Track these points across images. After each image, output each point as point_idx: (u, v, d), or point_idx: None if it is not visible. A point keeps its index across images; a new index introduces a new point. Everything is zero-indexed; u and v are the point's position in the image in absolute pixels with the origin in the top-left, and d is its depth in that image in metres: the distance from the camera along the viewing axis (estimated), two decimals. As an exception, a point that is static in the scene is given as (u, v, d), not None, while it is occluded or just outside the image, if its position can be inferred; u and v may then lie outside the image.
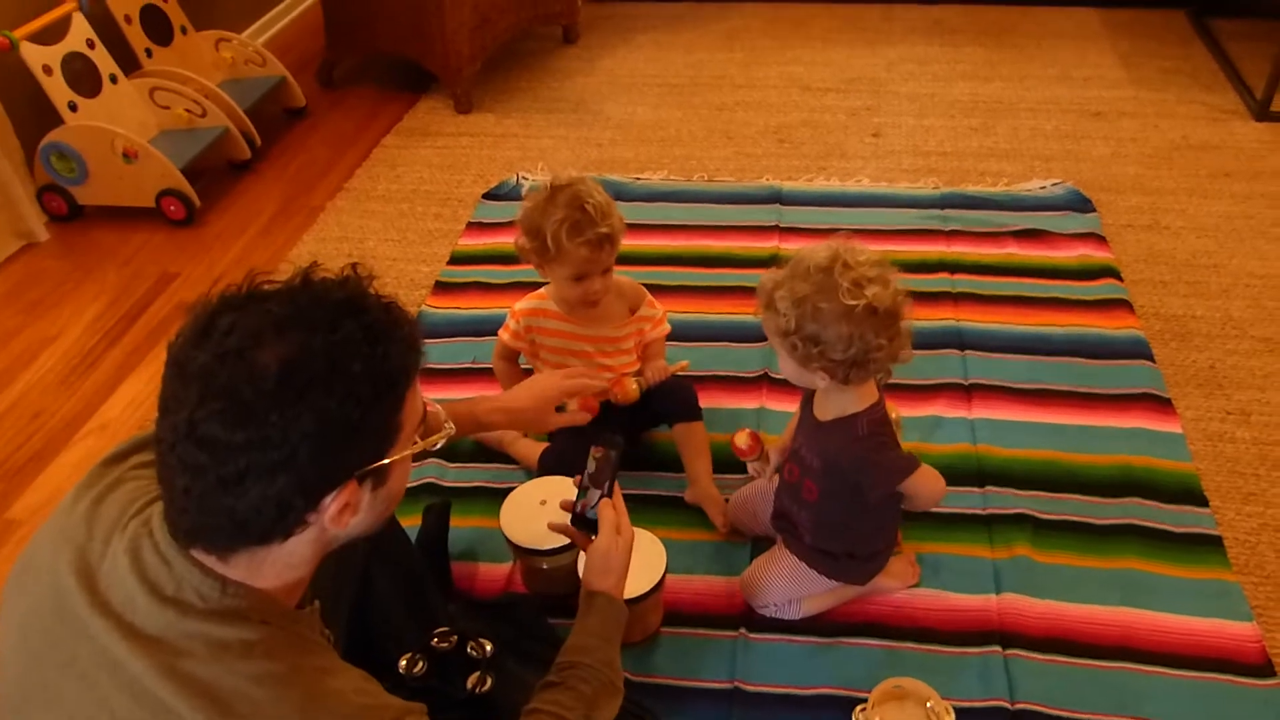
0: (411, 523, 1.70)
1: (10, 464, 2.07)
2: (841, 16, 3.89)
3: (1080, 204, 2.65)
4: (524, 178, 2.91)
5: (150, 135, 2.86)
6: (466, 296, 2.43)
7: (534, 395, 1.59)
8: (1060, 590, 1.66)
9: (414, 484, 1.88)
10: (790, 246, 2.52)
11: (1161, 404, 2.02)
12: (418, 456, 1.01)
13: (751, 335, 2.23)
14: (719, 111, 3.26)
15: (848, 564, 1.56)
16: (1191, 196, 2.70)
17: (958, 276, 2.40)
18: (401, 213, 2.82)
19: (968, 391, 2.07)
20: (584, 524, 1.39)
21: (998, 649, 1.57)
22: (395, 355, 0.90)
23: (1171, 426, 1.98)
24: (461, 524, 1.77)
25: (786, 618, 1.61)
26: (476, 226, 2.70)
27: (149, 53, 3.04)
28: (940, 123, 3.12)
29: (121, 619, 0.88)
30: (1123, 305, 2.29)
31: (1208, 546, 1.74)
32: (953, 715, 1.43)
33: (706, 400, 1.95)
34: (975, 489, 1.85)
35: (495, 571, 1.74)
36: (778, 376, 2.11)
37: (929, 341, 2.17)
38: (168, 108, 2.92)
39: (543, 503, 1.63)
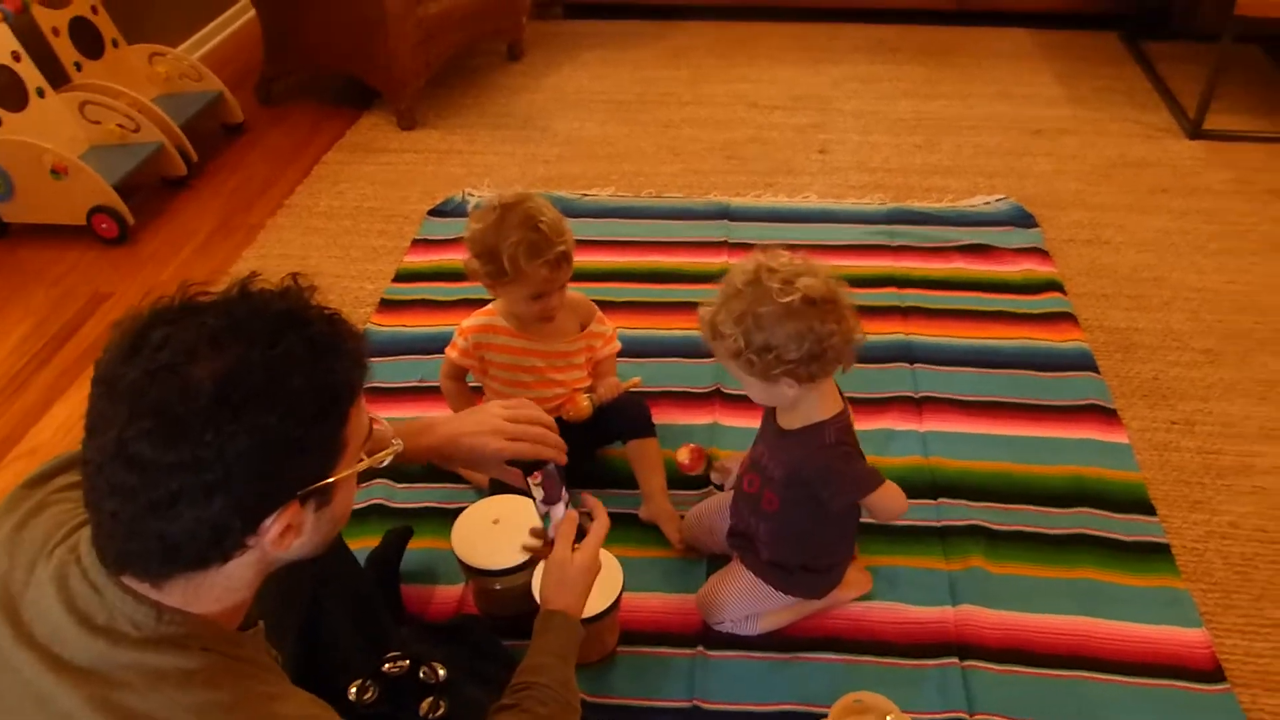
0: (363, 545, 1.65)
1: (-69, 491, 1.97)
2: (787, 35, 3.92)
3: (1023, 219, 2.69)
4: (470, 194, 2.87)
5: (80, 151, 2.77)
6: (413, 314, 2.38)
7: (482, 450, 1.42)
8: (1015, 601, 1.66)
9: (361, 505, 1.83)
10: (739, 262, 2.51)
11: (1108, 415, 2.05)
12: (364, 475, 0.97)
13: (702, 350, 2.16)
14: (666, 128, 3.26)
15: (803, 578, 1.55)
16: (1131, 212, 2.75)
17: (906, 291, 2.41)
18: (345, 229, 2.76)
19: (918, 405, 2.07)
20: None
21: (955, 660, 1.57)
22: (339, 369, 0.87)
23: (1118, 437, 2.00)
24: (412, 545, 1.72)
25: (744, 634, 1.59)
26: (422, 243, 2.66)
27: (78, 66, 2.95)
28: (885, 139, 3.15)
29: (49, 651, 0.83)
30: (1068, 318, 2.31)
31: (1157, 555, 1.76)
32: (913, 729, 1.42)
33: (659, 416, 1.93)
34: (929, 501, 1.85)
35: (447, 594, 1.69)
36: (730, 392, 2.10)
37: (879, 355, 2.18)
38: (99, 123, 2.84)
39: (495, 522, 1.59)
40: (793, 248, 1.44)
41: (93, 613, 0.84)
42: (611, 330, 1.88)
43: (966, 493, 1.86)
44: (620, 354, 1.91)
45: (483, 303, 1.90)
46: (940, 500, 1.85)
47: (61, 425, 2.13)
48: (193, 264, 2.66)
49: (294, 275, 0.92)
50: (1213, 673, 1.56)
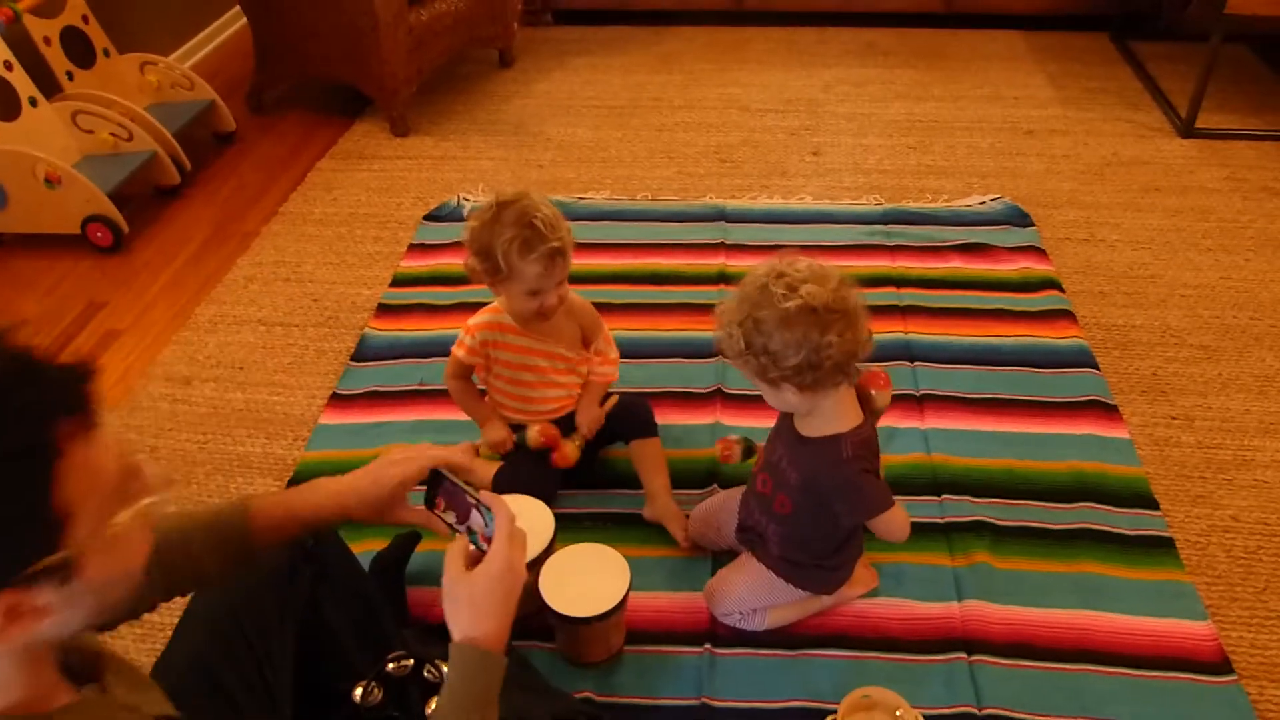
0: (367, 548, 1.65)
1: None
2: (776, 40, 3.93)
3: (1019, 218, 2.70)
4: (465, 199, 2.87)
5: (73, 160, 2.75)
6: (411, 318, 2.37)
7: (376, 479, 1.28)
8: (1021, 596, 1.66)
9: (362, 509, 1.82)
10: (736, 263, 2.51)
11: (1108, 410, 2.05)
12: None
13: (703, 351, 2.22)
14: (659, 132, 3.26)
15: (815, 573, 1.54)
16: (1125, 210, 2.76)
17: (904, 290, 2.41)
18: (340, 236, 2.75)
19: (919, 402, 2.07)
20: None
21: (962, 655, 1.56)
22: (27, 422, 0.71)
23: (1119, 432, 2.00)
24: (417, 549, 1.71)
25: (750, 628, 1.58)
26: (418, 248, 2.65)
27: (70, 75, 2.94)
28: (878, 141, 3.16)
29: None
30: (1066, 316, 2.32)
31: (1161, 549, 1.76)
32: (922, 724, 1.41)
33: (661, 417, 1.92)
34: (932, 498, 1.85)
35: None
36: (731, 391, 2.10)
37: (878, 354, 2.12)
38: (91, 132, 2.82)
39: (499, 522, 1.58)
40: (803, 249, 1.43)
41: None
42: (616, 356, 1.87)
43: (970, 489, 1.86)
44: (622, 356, 1.90)
45: (481, 306, 1.89)
46: (944, 497, 1.84)
47: (58, 433, 2.11)
48: (187, 272, 2.64)
49: None
50: (1220, 664, 1.56)
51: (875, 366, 1.49)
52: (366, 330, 2.34)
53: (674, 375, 2.14)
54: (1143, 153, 3.05)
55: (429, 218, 2.79)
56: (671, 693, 1.52)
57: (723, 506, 1.68)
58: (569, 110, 3.42)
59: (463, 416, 1.92)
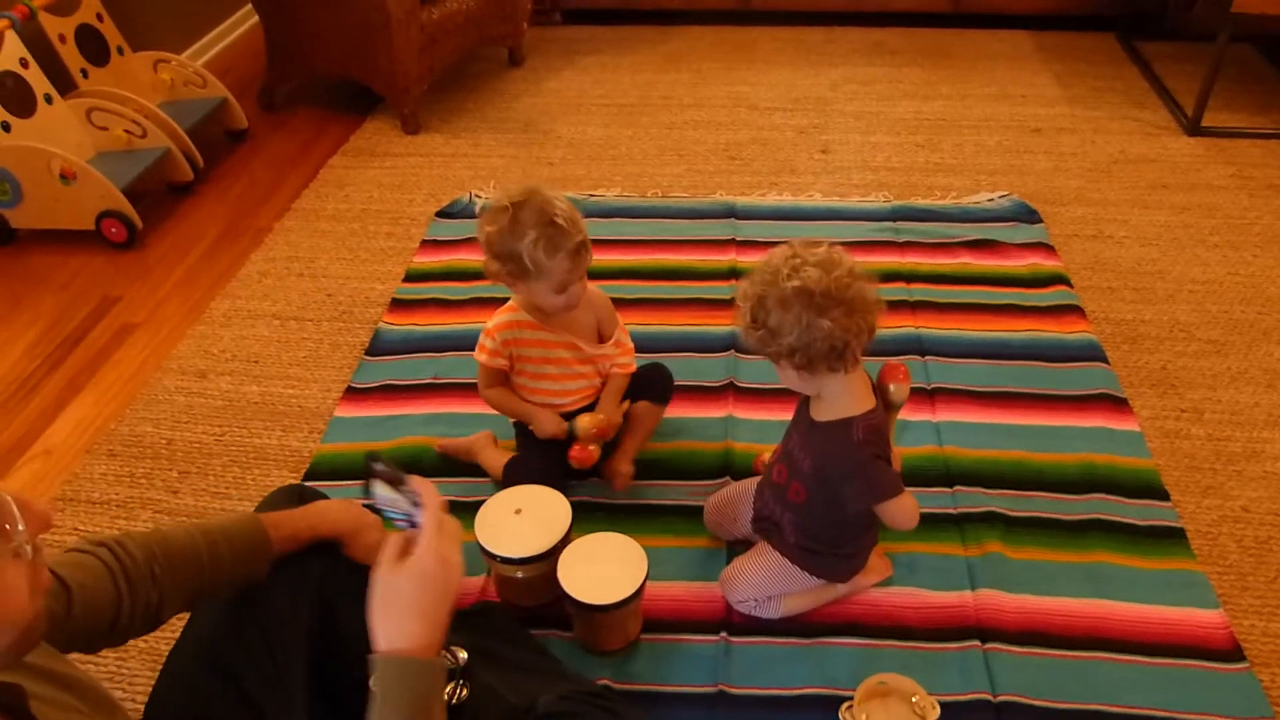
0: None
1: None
2: (783, 39, 3.95)
3: (1027, 215, 2.71)
4: (477, 195, 2.88)
5: (88, 156, 2.77)
6: (424, 313, 2.39)
7: (351, 514, 1.35)
8: (1033, 585, 1.68)
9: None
10: (747, 259, 2.53)
11: (1118, 404, 2.07)
12: None
13: (716, 345, 2.24)
14: (668, 130, 3.28)
15: (831, 561, 1.56)
16: (1132, 208, 2.78)
17: (914, 286, 2.43)
18: (353, 232, 2.77)
19: (930, 396, 2.09)
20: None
21: (977, 643, 1.58)
22: None
23: (1129, 425, 2.02)
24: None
25: (765, 616, 1.60)
26: (431, 244, 2.67)
27: (85, 73, 2.96)
28: (887, 139, 3.18)
29: None
30: (1075, 311, 2.33)
31: (1172, 539, 1.77)
32: (938, 710, 1.42)
33: (674, 410, 1.97)
34: (945, 489, 1.86)
35: (468, 584, 1.69)
36: (744, 385, 2.12)
37: (889, 349, 2.19)
38: (106, 129, 2.84)
39: (517, 511, 1.60)
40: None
41: None
42: (631, 346, 1.88)
43: (981, 481, 1.87)
44: (636, 351, 1.91)
45: (495, 300, 1.91)
46: (956, 488, 1.86)
47: (77, 425, 2.13)
48: (201, 267, 2.66)
49: None
50: (1231, 652, 1.57)
51: (895, 360, 1.50)
52: (380, 325, 2.35)
53: (687, 369, 2.16)
54: (1149, 151, 3.06)
55: (441, 214, 2.81)
56: (688, 680, 1.53)
57: (738, 497, 1.69)
58: (579, 108, 3.44)
59: (476, 409, 1.95)
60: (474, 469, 1.91)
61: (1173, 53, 3.64)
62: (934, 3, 3.97)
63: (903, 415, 2.01)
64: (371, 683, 0.95)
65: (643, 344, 2.05)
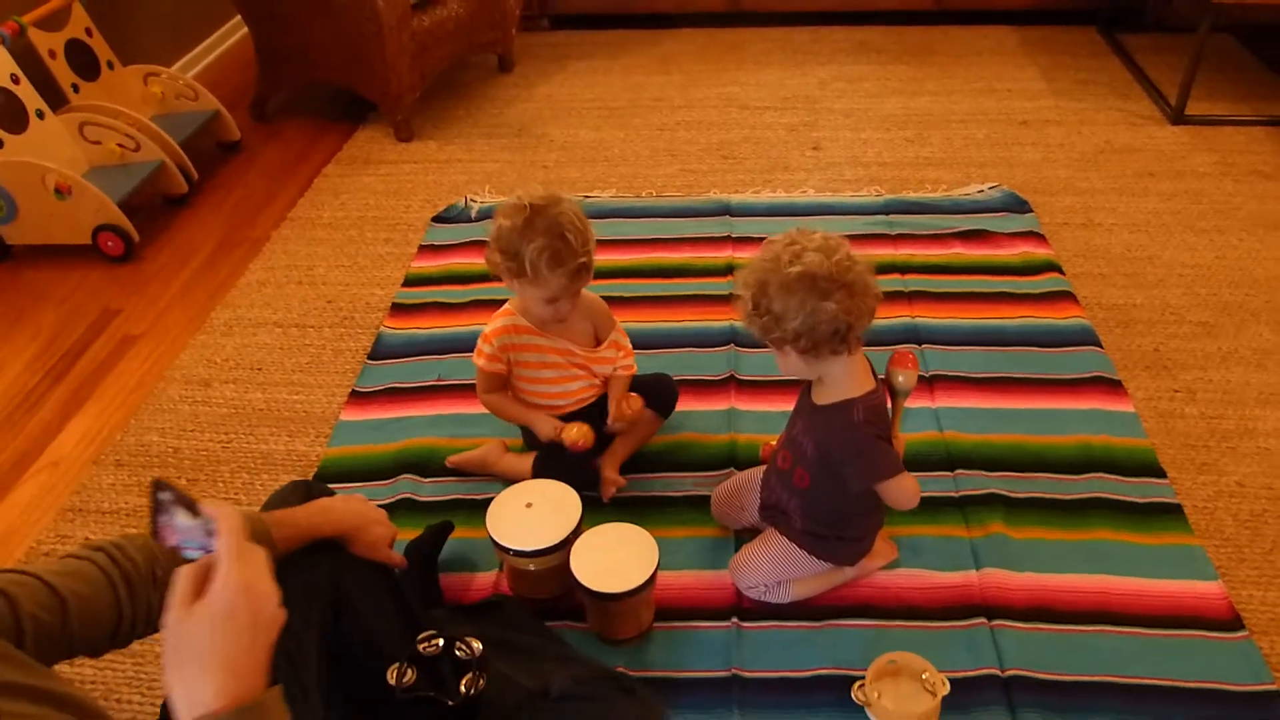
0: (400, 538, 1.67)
1: (-44, 504, 1.98)
2: (771, 40, 3.99)
3: (1017, 205, 2.75)
4: (473, 200, 2.90)
5: (82, 171, 2.78)
6: (425, 317, 2.41)
7: (353, 510, 1.41)
8: (1037, 563, 1.71)
9: (389, 501, 1.86)
10: (744, 255, 2.56)
11: (1113, 386, 2.10)
12: None
13: (715, 340, 2.26)
14: (661, 131, 3.31)
15: (837, 545, 1.58)
16: (1120, 196, 2.82)
17: (909, 277, 2.46)
18: (350, 239, 2.79)
19: (929, 383, 2.12)
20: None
21: (983, 621, 1.61)
22: None
23: (1124, 406, 2.05)
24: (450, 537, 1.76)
25: (775, 601, 1.63)
26: (429, 249, 2.69)
27: (75, 88, 2.97)
28: (876, 135, 3.21)
29: None
30: (1067, 297, 2.37)
31: (1170, 515, 1.80)
32: (948, 686, 1.45)
33: (678, 405, 1.99)
34: (946, 473, 1.89)
35: (480, 580, 1.72)
36: (745, 378, 2.14)
37: (887, 339, 2.22)
38: (99, 143, 2.85)
39: (528, 505, 1.62)
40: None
41: None
42: (630, 348, 1.90)
43: (982, 464, 1.91)
44: (636, 348, 1.93)
45: (494, 303, 1.92)
46: (957, 472, 1.89)
47: (83, 437, 2.14)
48: (200, 277, 2.68)
49: None
50: (1231, 621, 1.61)
51: (904, 348, 1.54)
52: (382, 329, 2.37)
53: (688, 364, 2.18)
54: (1135, 140, 3.11)
55: (437, 219, 2.83)
56: (702, 665, 1.56)
57: (744, 486, 1.72)
58: (570, 112, 3.46)
59: (480, 410, 1.96)
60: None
61: (1154, 44, 3.69)
62: (918, 1, 4.01)
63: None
64: None
65: (643, 341, 2.08)
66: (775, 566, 1.60)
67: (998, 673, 1.52)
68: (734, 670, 1.54)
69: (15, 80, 2.69)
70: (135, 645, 1.14)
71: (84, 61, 3.01)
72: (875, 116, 3.34)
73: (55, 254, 2.76)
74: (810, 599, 1.64)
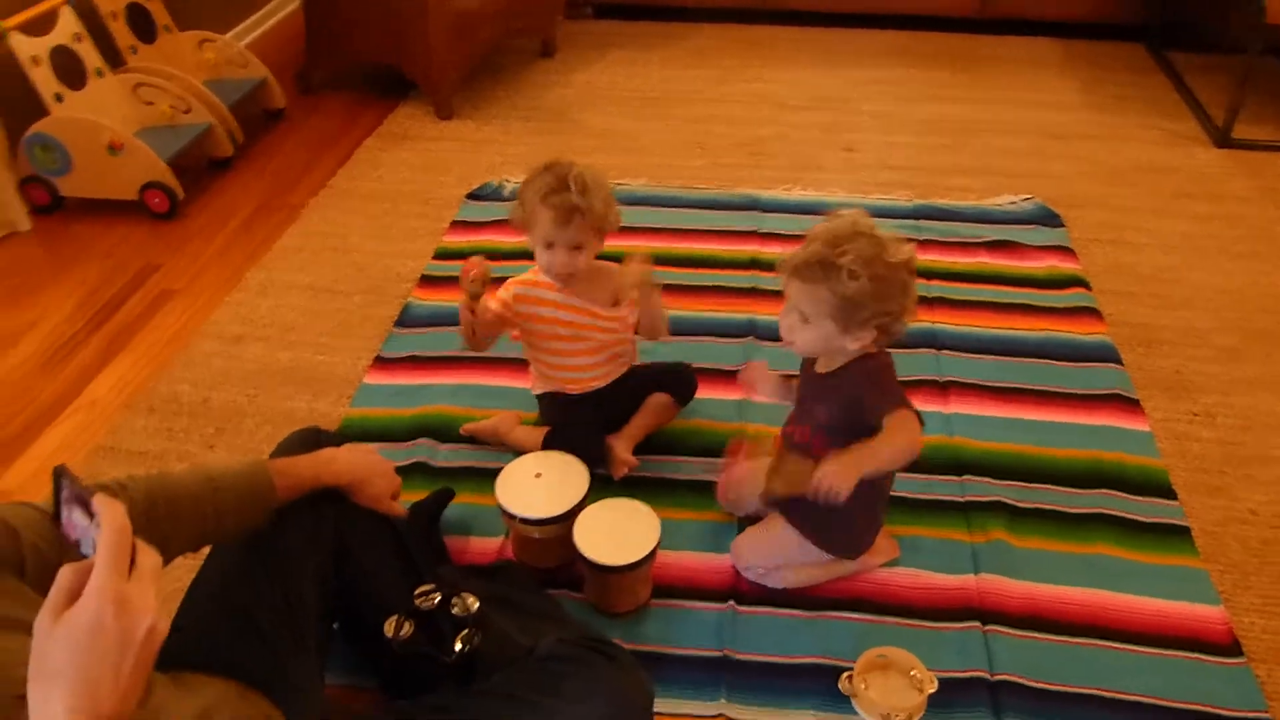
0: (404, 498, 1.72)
1: (-1, 437, 2.06)
2: (804, 39, 3.99)
3: (1048, 218, 2.75)
4: (506, 180, 2.95)
5: (134, 130, 2.85)
6: (453, 289, 2.40)
7: (357, 461, 1.43)
8: (1036, 572, 1.71)
9: (404, 464, 1.90)
10: (770, 251, 2.58)
11: (1130, 404, 2.10)
12: None
13: (733, 331, 2.29)
14: (693, 124, 3.33)
15: (840, 536, 1.61)
16: (1154, 215, 2.80)
17: (931, 282, 2.46)
18: (385, 210, 2.84)
19: (943, 388, 2.13)
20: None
21: (977, 625, 1.62)
22: None
23: (1140, 425, 2.05)
24: (454, 501, 1.80)
25: (770, 584, 1.65)
26: (461, 225, 2.73)
27: (134, 50, 3.05)
28: (909, 140, 3.21)
29: None
30: (1091, 313, 2.37)
31: (1176, 536, 1.80)
32: (935, 684, 1.47)
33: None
34: (953, 478, 1.90)
35: (487, 545, 1.76)
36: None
37: (904, 341, 2.20)
38: (151, 104, 2.93)
39: (538, 475, 1.66)
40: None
41: None
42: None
43: (989, 471, 1.91)
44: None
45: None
46: (965, 477, 1.90)
47: (118, 381, 2.21)
48: (238, 239, 2.74)
49: None
50: (1229, 646, 1.60)
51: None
52: (410, 299, 2.42)
53: (705, 353, 2.21)
54: (1174, 160, 3.08)
55: (471, 196, 2.87)
56: (695, 644, 1.59)
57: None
58: (607, 100, 3.50)
59: (502, 382, 2.02)
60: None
61: (1204, 64, 3.65)
62: (960, 7, 3.99)
63: (916, 406, 2.06)
64: None
65: (663, 326, 2.10)
66: (776, 550, 1.63)
67: (987, 676, 1.54)
68: (726, 651, 1.57)
69: (78, 39, 2.78)
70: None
71: (143, 25, 3.09)
72: (909, 121, 3.34)
73: (102, 208, 2.83)
74: (808, 589, 1.66)
